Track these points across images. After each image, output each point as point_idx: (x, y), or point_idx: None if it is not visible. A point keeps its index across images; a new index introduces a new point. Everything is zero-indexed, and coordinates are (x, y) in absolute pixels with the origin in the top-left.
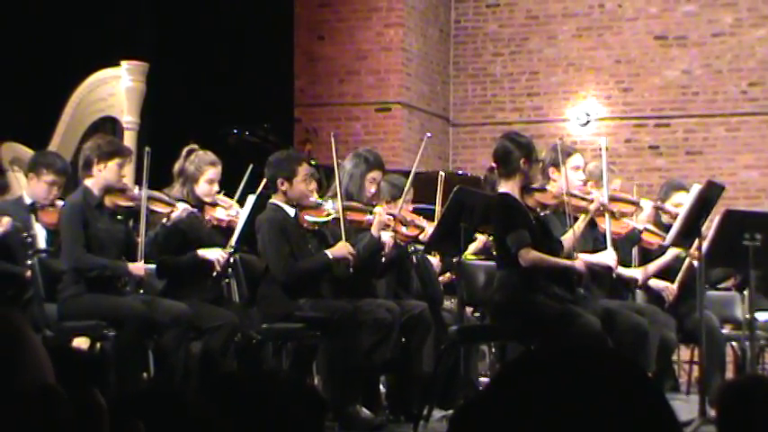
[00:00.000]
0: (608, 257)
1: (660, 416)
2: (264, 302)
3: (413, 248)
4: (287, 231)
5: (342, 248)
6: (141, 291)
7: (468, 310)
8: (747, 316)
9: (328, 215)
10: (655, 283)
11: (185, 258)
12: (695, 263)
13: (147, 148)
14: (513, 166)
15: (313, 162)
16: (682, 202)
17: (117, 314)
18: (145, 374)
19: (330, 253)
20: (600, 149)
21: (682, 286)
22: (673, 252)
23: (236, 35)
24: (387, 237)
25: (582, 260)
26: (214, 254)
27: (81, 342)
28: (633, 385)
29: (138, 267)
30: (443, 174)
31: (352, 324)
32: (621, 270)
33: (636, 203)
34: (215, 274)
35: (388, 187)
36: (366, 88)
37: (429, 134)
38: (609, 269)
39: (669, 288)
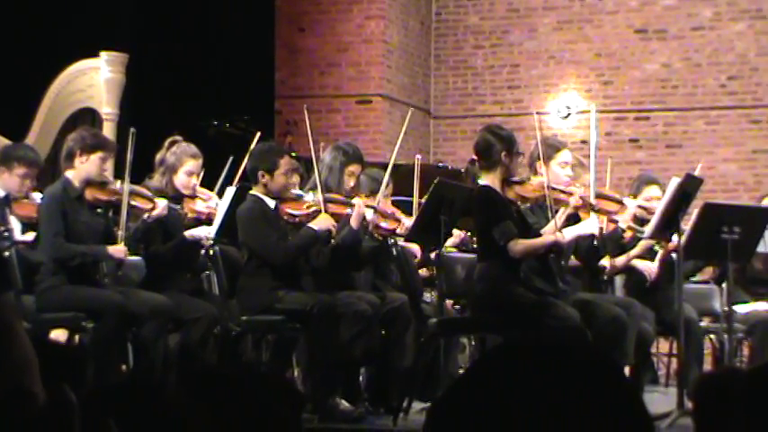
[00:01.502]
0: (590, 226)
1: (632, 412)
2: (244, 294)
3: (392, 241)
4: (268, 222)
5: (324, 220)
6: (120, 273)
7: (448, 302)
8: (725, 309)
9: (309, 207)
10: (636, 262)
11: (173, 244)
12: (674, 255)
13: (132, 129)
14: (494, 159)
15: (293, 154)
16: (653, 196)
17: (95, 306)
18: (124, 366)
19: (314, 225)
20: (582, 142)
21: (657, 278)
22: (643, 243)
23: (217, 27)
24: (370, 215)
25: (563, 234)
26: (202, 231)
27: (59, 334)
28: (606, 380)
29: (118, 250)
30: (419, 157)
31: (332, 316)
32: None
33: (620, 202)
34: (203, 251)
35: (368, 181)
36: (347, 80)
37: (412, 108)
38: (592, 237)
39: (651, 267)
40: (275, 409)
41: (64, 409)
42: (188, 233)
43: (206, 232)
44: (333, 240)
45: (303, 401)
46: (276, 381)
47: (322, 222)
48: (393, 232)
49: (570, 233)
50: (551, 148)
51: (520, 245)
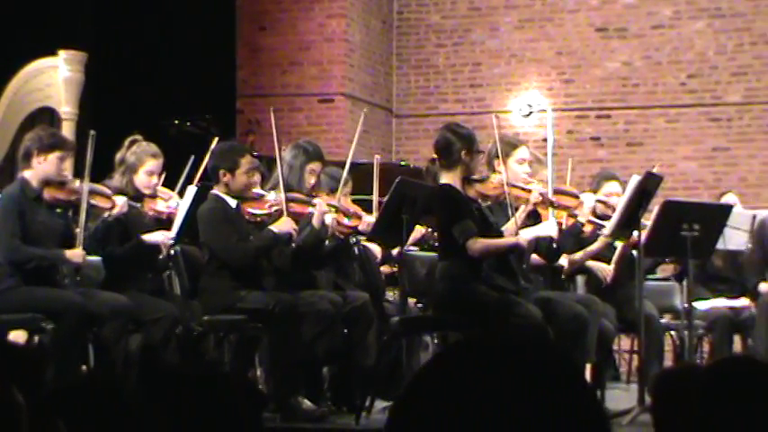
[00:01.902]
0: (548, 228)
1: (588, 411)
2: (206, 294)
3: (354, 239)
4: (229, 222)
5: (285, 223)
6: (78, 278)
7: (411, 301)
8: (686, 305)
9: (270, 207)
10: (592, 264)
11: (130, 246)
12: (634, 252)
13: (92, 132)
14: (454, 158)
15: (254, 153)
16: (612, 192)
17: (54, 306)
18: (84, 367)
19: (275, 228)
20: (544, 140)
21: (616, 275)
22: (603, 240)
23: (178, 25)
24: (329, 219)
25: (523, 236)
26: (158, 236)
27: (18, 335)
28: (562, 378)
29: (77, 254)
30: (378, 157)
31: (294, 315)
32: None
33: (577, 197)
34: (161, 256)
35: (327, 179)
36: (309, 79)
37: (365, 109)
38: (551, 239)
39: (606, 269)
40: (236, 409)
41: (10, 410)
42: (145, 237)
43: (163, 237)
44: (293, 244)
45: (265, 401)
46: (237, 380)
47: (283, 225)
48: (355, 229)
49: (529, 234)
50: (508, 145)
51: (479, 243)
